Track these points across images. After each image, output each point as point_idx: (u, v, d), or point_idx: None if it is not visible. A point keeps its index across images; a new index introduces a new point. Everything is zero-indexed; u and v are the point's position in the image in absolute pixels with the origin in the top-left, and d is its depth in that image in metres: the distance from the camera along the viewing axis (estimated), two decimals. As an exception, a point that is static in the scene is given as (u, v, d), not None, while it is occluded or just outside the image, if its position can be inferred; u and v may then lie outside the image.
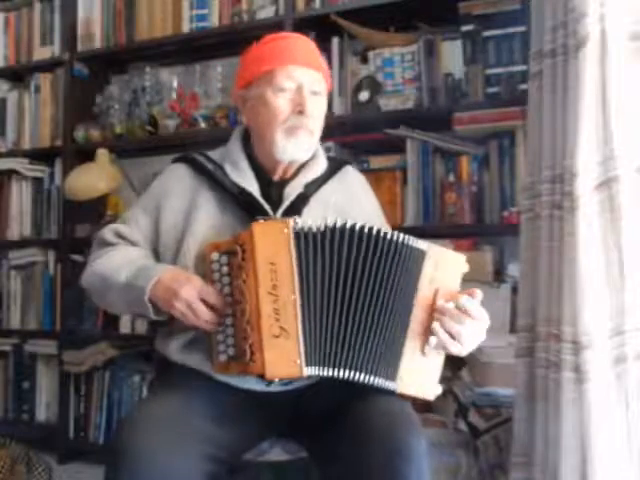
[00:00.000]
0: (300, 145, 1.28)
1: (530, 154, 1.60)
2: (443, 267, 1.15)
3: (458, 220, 2.01)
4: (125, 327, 2.50)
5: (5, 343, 2.76)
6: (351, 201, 1.37)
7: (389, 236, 1.12)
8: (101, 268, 1.27)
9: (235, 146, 1.36)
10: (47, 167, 2.74)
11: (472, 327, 1.12)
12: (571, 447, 1.38)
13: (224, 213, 1.29)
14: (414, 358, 1.13)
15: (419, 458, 1.06)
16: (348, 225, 1.12)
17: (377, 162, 2.15)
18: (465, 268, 1.17)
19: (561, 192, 1.45)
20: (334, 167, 1.40)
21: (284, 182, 1.33)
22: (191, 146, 1.99)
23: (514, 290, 1.86)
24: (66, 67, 2.65)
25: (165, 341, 1.27)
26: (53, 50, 2.74)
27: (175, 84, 2.55)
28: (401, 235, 1.13)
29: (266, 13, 2.32)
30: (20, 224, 2.75)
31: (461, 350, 1.14)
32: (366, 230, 1.12)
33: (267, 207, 1.27)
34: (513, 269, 1.93)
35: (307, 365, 1.10)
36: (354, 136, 2.19)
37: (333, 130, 2.16)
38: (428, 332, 1.13)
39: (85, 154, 2.59)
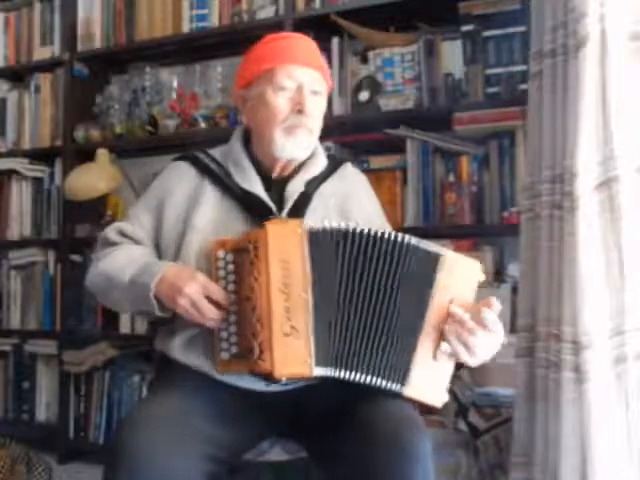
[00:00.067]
0: (299, 144, 1.28)
1: (530, 154, 1.60)
2: (458, 273, 1.14)
3: (458, 220, 2.01)
4: (125, 327, 2.50)
5: (5, 343, 2.76)
6: (351, 199, 1.37)
7: (405, 240, 1.12)
8: (105, 267, 1.27)
9: (236, 145, 1.36)
10: (47, 167, 2.74)
11: (486, 339, 1.11)
12: (571, 447, 1.38)
13: (225, 211, 1.29)
14: (425, 364, 1.13)
15: (425, 459, 1.06)
16: (364, 230, 1.12)
17: (377, 162, 2.15)
18: (481, 276, 1.15)
19: (561, 192, 1.45)
20: (333, 165, 1.41)
21: (283, 180, 1.33)
22: (191, 146, 1.98)
23: (514, 290, 1.86)
24: (66, 67, 2.65)
25: (166, 339, 1.27)
26: (53, 50, 2.74)
27: (175, 84, 2.55)
28: (416, 239, 1.13)
29: (266, 13, 2.32)
30: (20, 224, 2.75)
31: (473, 361, 1.13)
32: (380, 234, 1.12)
33: (273, 207, 1.28)
34: (513, 269, 1.93)
35: (316, 365, 1.10)
36: (354, 136, 2.19)
37: (333, 130, 2.16)
38: (440, 338, 1.12)
39: (85, 154, 2.59)
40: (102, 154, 2.53)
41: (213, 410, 1.17)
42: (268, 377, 1.13)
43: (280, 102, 1.26)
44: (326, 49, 2.17)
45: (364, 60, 2.20)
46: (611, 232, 1.39)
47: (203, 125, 2.39)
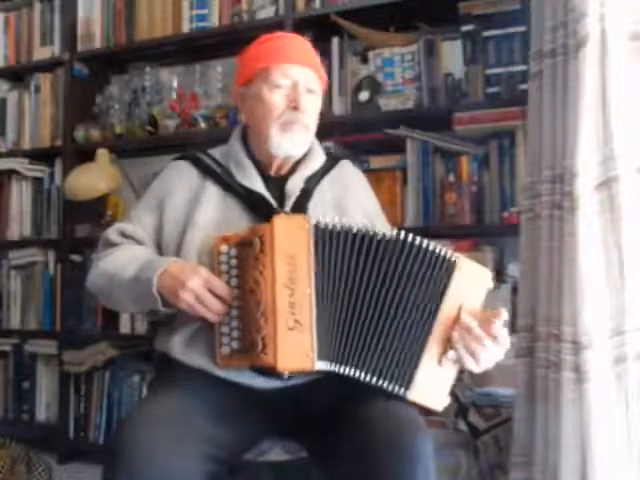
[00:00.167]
0: (295, 141, 1.29)
1: (530, 154, 1.60)
2: (470, 280, 1.14)
3: (458, 220, 2.01)
4: (125, 327, 2.50)
5: (5, 343, 2.76)
6: (348, 195, 1.38)
7: (417, 242, 1.12)
8: (107, 267, 1.27)
9: (236, 145, 1.37)
10: (47, 167, 2.74)
11: (492, 348, 1.12)
12: (571, 447, 1.38)
13: (227, 209, 1.30)
14: (430, 369, 1.13)
15: (426, 460, 1.06)
16: (373, 230, 1.13)
17: (377, 162, 2.15)
18: (490, 284, 1.16)
19: (561, 192, 1.45)
20: (331, 162, 1.42)
21: (282, 178, 1.34)
22: (191, 146, 1.98)
23: (514, 290, 1.86)
24: (66, 67, 2.65)
25: (166, 337, 1.27)
26: (53, 50, 2.74)
27: (175, 84, 2.55)
28: (431, 243, 1.13)
29: (266, 13, 2.32)
30: (20, 224, 2.75)
31: (477, 368, 1.14)
32: (389, 235, 1.12)
33: (275, 204, 1.28)
34: (513, 269, 1.93)
35: (319, 359, 1.10)
36: (354, 136, 2.19)
37: (333, 130, 2.17)
38: (447, 344, 1.13)
39: (85, 154, 2.59)
40: (102, 154, 2.53)
41: (213, 410, 1.17)
42: (270, 371, 1.13)
43: (276, 99, 1.28)
44: (326, 49, 2.18)
45: (364, 60, 2.20)
46: (611, 232, 1.39)
47: (203, 125, 2.39)
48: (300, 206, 1.29)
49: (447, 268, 1.13)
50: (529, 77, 1.61)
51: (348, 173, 1.44)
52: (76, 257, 2.60)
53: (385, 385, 1.12)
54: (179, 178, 1.36)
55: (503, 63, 1.98)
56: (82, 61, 2.66)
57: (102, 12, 2.64)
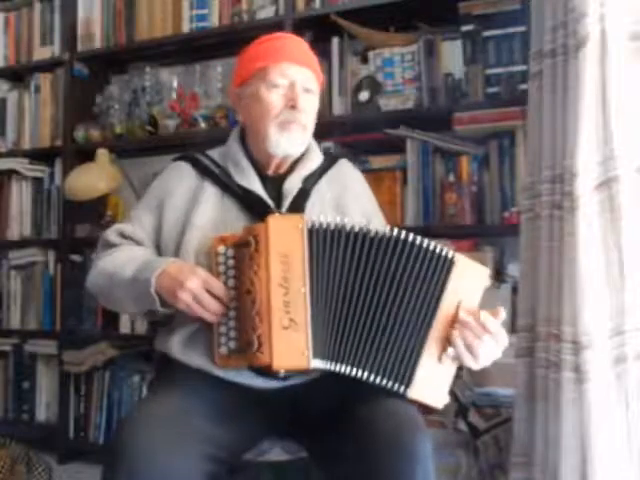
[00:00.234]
0: (293, 140, 1.30)
1: (530, 154, 1.60)
2: (468, 278, 1.15)
3: (458, 220, 2.01)
4: (125, 327, 2.50)
5: (5, 343, 2.76)
6: (347, 194, 1.38)
7: (413, 240, 1.12)
8: (106, 267, 1.28)
9: (234, 146, 1.38)
10: (47, 167, 2.74)
11: (490, 344, 1.13)
12: (571, 447, 1.38)
13: (225, 209, 1.31)
14: (430, 366, 1.13)
15: (425, 459, 1.06)
16: (368, 228, 1.13)
17: (377, 162, 2.15)
18: (487, 282, 1.16)
19: (561, 192, 1.45)
20: (330, 161, 1.42)
21: (280, 178, 1.34)
22: (191, 146, 1.99)
23: (514, 290, 1.86)
24: (66, 67, 2.65)
25: (166, 337, 1.27)
26: (53, 50, 2.74)
27: (175, 84, 2.55)
28: (427, 241, 1.13)
29: (266, 13, 2.32)
30: (20, 224, 2.75)
31: (475, 364, 1.14)
32: (390, 234, 1.12)
33: (271, 204, 1.29)
34: (513, 269, 1.93)
35: (314, 357, 1.10)
36: (354, 136, 2.19)
37: (333, 130, 2.17)
38: (446, 342, 1.13)
39: (85, 154, 2.59)
40: (102, 154, 2.53)
41: (213, 410, 1.17)
42: (267, 370, 1.13)
43: (274, 98, 1.28)
44: (326, 49, 2.18)
45: (364, 60, 2.20)
46: (611, 232, 1.39)
47: (203, 125, 2.39)
48: (297, 206, 1.29)
49: (445, 265, 1.13)
50: (529, 77, 1.61)
51: (346, 172, 1.44)
52: (76, 257, 2.60)
53: (385, 383, 1.12)
54: (179, 179, 1.36)
55: (503, 63, 1.98)
56: (82, 61, 2.66)
57: (102, 12, 2.64)
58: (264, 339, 1.10)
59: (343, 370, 1.12)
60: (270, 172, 1.35)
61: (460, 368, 1.18)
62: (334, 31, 2.19)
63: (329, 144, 2.14)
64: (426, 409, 1.15)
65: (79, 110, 2.65)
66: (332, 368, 1.12)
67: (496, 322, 1.12)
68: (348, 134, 2.18)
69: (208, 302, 1.15)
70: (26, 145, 2.78)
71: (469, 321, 1.11)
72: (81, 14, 2.67)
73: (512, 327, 1.79)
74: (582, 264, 1.38)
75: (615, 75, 1.38)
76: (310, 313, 1.11)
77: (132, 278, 1.21)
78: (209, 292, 1.15)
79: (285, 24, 2.21)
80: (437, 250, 1.13)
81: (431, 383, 1.14)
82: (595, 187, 1.40)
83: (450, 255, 1.14)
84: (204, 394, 1.19)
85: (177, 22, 2.48)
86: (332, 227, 1.14)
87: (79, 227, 2.62)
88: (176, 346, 1.25)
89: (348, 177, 1.43)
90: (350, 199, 1.37)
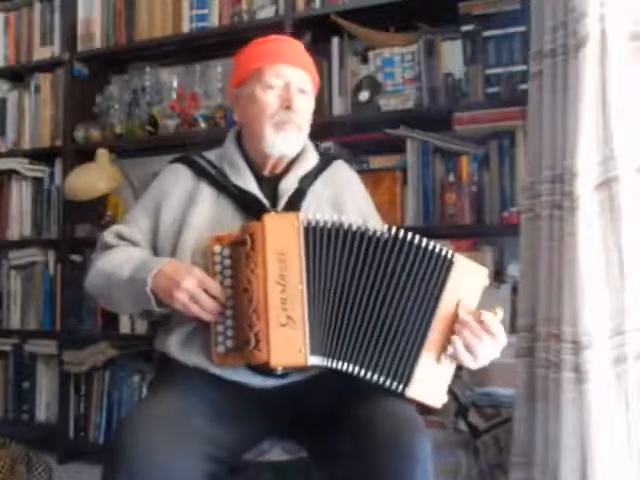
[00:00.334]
0: (289, 140, 1.30)
1: (530, 154, 1.60)
2: (467, 278, 1.15)
3: (458, 220, 2.01)
4: (125, 327, 2.50)
5: (5, 343, 2.76)
6: (344, 192, 1.39)
7: (409, 239, 1.13)
8: (104, 267, 1.28)
9: (231, 147, 1.39)
10: (47, 167, 2.74)
11: (489, 344, 1.13)
12: (571, 447, 1.38)
13: (221, 209, 1.31)
14: (429, 366, 1.13)
15: (424, 460, 1.06)
16: (364, 227, 1.13)
17: (377, 162, 2.15)
18: (486, 282, 1.17)
19: (561, 192, 1.45)
20: (325, 162, 1.42)
21: (276, 177, 1.35)
22: (191, 146, 1.98)
23: (514, 290, 1.86)
24: (66, 67, 2.65)
25: (164, 338, 1.28)
26: (53, 50, 2.74)
27: (175, 84, 2.55)
28: (425, 240, 1.13)
29: (266, 13, 2.32)
30: (20, 224, 2.75)
31: (474, 364, 1.15)
32: (387, 233, 1.13)
33: (267, 204, 1.29)
34: (513, 269, 1.93)
35: (311, 354, 1.11)
36: (354, 136, 2.19)
37: (333, 130, 2.17)
38: (445, 341, 1.13)
39: (85, 154, 2.59)
40: (102, 154, 2.53)
41: (213, 410, 1.17)
42: (264, 367, 1.14)
43: (269, 98, 1.29)
44: (326, 49, 2.18)
45: (364, 60, 2.20)
46: (611, 232, 1.39)
47: (203, 125, 2.39)
48: (293, 205, 1.30)
49: (444, 265, 1.14)
50: (529, 77, 1.61)
51: (342, 173, 1.45)
52: (76, 257, 2.60)
53: (383, 381, 1.12)
54: (175, 181, 1.37)
55: (503, 63, 1.98)
56: (82, 61, 2.66)
57: (102, 12, 2.64)
58: (261, 336, 1.10)
59: (341, 367, 1.12)
60: (266, 172, 1.35)
61: (460, 368, 1.18)
62: (334, 31, 2.19)
63: (329, 144, 2.14)
64: (425, 408, 1.16)
65: (79, 110, 2.65)
66: (330, 365, 1.12)
67: (495, 322, 1.13)
68: (348, 134, 2.18)
69: (204, 301, 1.15)
70: (26, 145, 2.78)
71: (468, 321, 1.12)
72: (81, 14, 2.67)
73: (512, 327, 1.80)
74: (582, 264, 1.38)
75: (615, 75, 1.38)
76: (307, 310, 1.11)
77: (129, 278, 1.22)
78: (205, 291, 1.16)
79: (285, 24, 2.21)
80: (436, 250, 1.14)
81: (430, 382, 1.14)
82: (595, 187, 1.40)
83: (449, 255, 1.14)
84: (204, 394, 1.19)
85: (177, 22, 2.48)
86: (329, 225, 1.14)
87: (79, 227, 2.62)
88: (174, 346, 1.25)
89: (344, 177, 1.44)
90: (347, 197, 1.38)
